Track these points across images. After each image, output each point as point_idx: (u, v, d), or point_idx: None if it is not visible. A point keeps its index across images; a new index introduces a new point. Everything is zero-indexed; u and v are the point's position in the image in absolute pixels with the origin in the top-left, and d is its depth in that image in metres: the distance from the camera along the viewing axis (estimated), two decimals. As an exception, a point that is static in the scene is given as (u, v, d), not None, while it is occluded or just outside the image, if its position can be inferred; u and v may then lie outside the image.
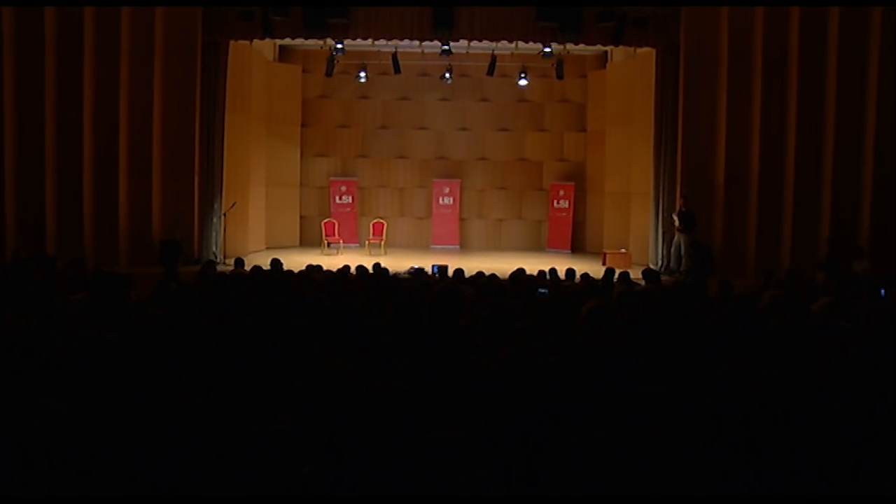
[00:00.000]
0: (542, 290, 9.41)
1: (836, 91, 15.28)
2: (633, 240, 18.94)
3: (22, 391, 3.79)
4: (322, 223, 20.30)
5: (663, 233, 16.79)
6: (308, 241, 21.66)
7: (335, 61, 19.50)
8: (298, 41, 18.90)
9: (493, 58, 19.39)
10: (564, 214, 21.45)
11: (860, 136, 15.20)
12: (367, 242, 20.20)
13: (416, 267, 15.05)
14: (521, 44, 17.66)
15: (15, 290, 8.07)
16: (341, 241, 20.03)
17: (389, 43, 18.17)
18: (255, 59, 19.38)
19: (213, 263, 13.12)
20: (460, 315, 6.28)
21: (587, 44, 17.26)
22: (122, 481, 3.12)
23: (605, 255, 18.22)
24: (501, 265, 15.33)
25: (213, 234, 16.83)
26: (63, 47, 15.13)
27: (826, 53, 15.40)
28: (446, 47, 17.67)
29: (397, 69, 19.38)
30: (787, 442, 3.45)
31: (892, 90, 14.84)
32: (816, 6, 15.37)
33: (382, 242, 20.06)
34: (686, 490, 3.37)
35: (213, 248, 16.74)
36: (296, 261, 15.12)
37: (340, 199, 21.42)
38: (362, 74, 20.44)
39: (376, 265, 12.48)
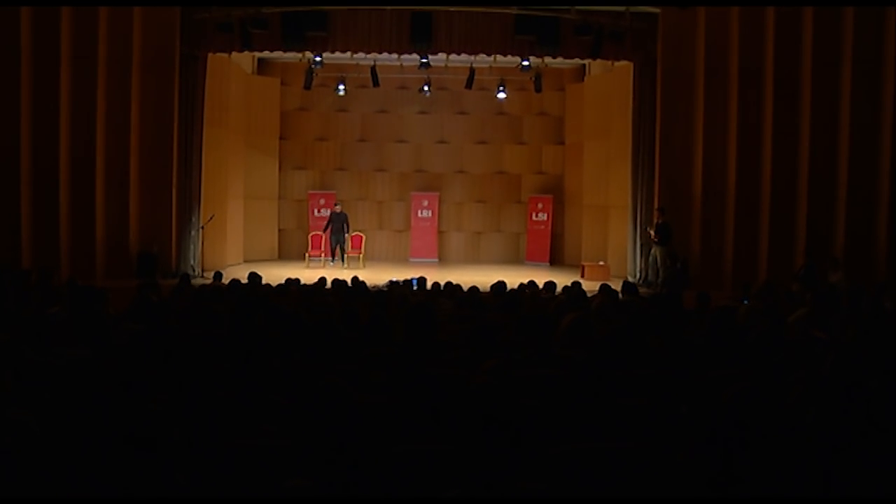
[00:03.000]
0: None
1: (811, 103, 15.39)
2: (612, 252, 18.98)
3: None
4: (309, 236, 20.26)
5: (641, 245, 16.85)
6: (286, 254, 21.62)
7: (314, 74, 19.49)
8: (277, 54, 18.89)
9: (472, 71, 19.44)
10: (543, 227, 21.49)
11: (835, 147, 15.30)
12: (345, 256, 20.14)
13: (395, 280, 15.00)
14: (499, 57, 17.74)
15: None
16: (322, 255, 19.91)
17: (368, 56, 18.16)
18: (233, 71, 19.34)
19: (188, 277, 13.02)
20: (435, 329, 6.27)
21: (565, 57, 17.36)
22: (97, 495, 3.09)
23: (583, 267, 18.26)
24: (480, 278, 15.30)
25: (191, 247, 16.74)
26: (39, 58, 15.01)
27: (800, 66, 15.52)
28: (425, 60, 17.71)
29: (376, 82, 19.38)
30: (763, 452, 3.46)
31: (867, 102, 14.97)
32: (790, 20, 15.50)
33: (361, 255, 20.01)
34: (664, 501, 3.37)
35: (191, 262, 16.65)
36: (274, 274, 15.06)
37: (319, 212, 21.35)
38: (341, 87, 20.45)
39: (354, 278, 12.43)
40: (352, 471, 3.49)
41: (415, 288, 12.47)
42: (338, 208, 19.70)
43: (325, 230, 19.65)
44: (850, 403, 3.99)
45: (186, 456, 3.53)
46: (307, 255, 19.90)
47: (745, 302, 10.25)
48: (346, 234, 19.45)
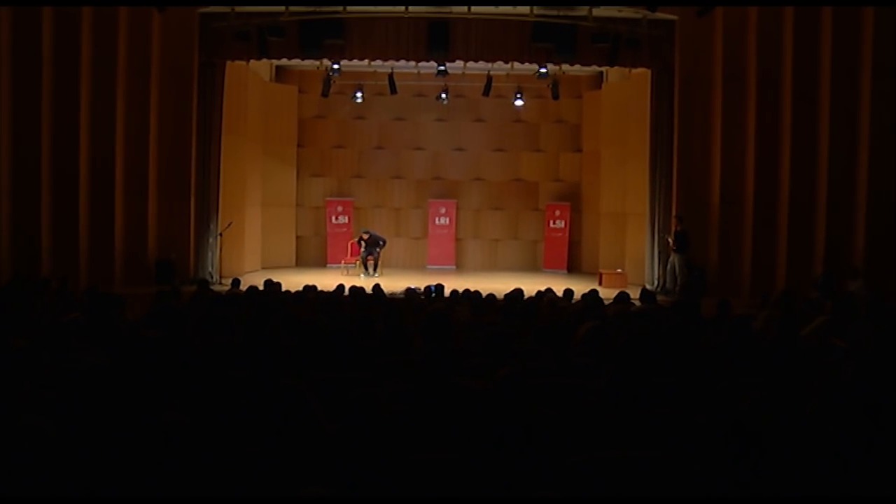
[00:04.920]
0: None
1: (830, 110, 15.29)
2: (629, 260, 18.93)
3: (11, 411, 3.77)
4: (349, 243, 20.38)
5: (659, 253, 16.79)
6: (304, 261, 21.67)
7: (331, 82, 19.56)
8: (295, 62, 19.00)
9: (489, 78, 19.49)
10: (560, 235, 21.45)
11: (854, 155, 15.21)
12: (358, 263, 20.06)
13: (412, 287, 14.98)
14: (516, 64, 17.76)
15: (16, 311, 8.05)
16: (351, 262, 19.89)
17: (385, 63, 18.23)
18: (251, 79, 19.43)
19: (206, 283, 13.05)
20: (451, 337, 6.26)
21: (582, 64, 17.31)
22: (111, 499, 3.10)
23: (601, 275, 18.22)
24: (498, 286, 15.29)
25: (209, 254, 16.80)
26: (59, 67, 15.13)
27: (819, 72, 15.44)
28: (442, 68, 17.72)
29: (393, 90, 19.43)
30: (781, 462, 3.44)
31: (886, 109, 14.88)
32: (808, 25, 15.43)
33: (378, 263, 20.01)
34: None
35: (209, 269, 16.71)
36: (292, 281, 15.07)
37: (336, 219, 21.43)
38: (358, 95, 20.52)
39: (376, 286, 12.44)
40: (369, 478, 3.49)
41: (432, 295, 12.45)
42: (366, 237, 19.56)
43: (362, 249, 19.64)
44: (870, 412, 3.95)
45: (202, 462, 3.53)
46: (343, 261, 19.92)
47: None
48: (379, 250, 19.44)
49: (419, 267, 21.61)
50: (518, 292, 11.81)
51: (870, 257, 14.83)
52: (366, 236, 19.42)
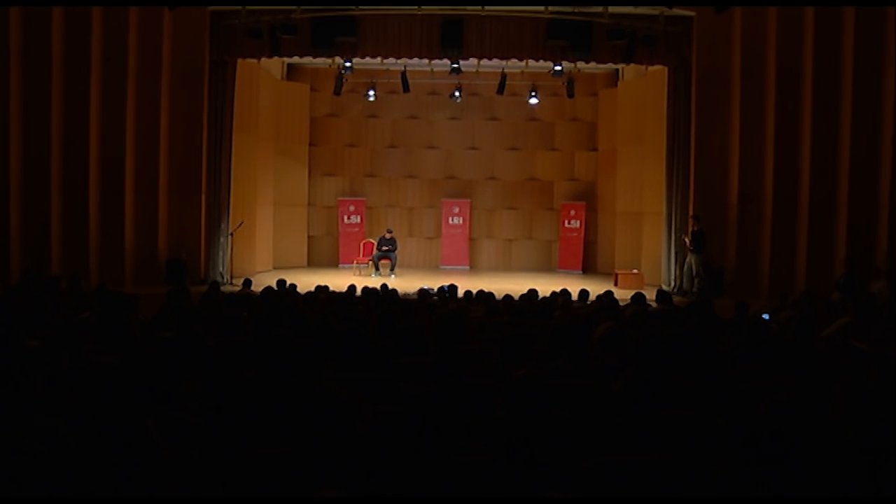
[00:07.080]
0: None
1: (852, 107, 15.09)
2: (646, 260, 18.79)
3: (22, 411, 3.72)
4: (361, 244, 20.31)
5: (676, 253, 16.66)
6: (316, 261, 21.62)
7: (344, 80, 19.49)
8: (306, 60, 18.97)
9: (503, 76, 19.39)
10: (575, 234, 21.34)
11: (876, 153, 15.00)
12: (370, 263, 19.99)
13: (425, 288, 14.90)
14: (531, 62, 17.67)
15: (26, 310, 8.03)
16: (363, 261, 19.80)
17: (398, 61, 18.16)
18: (262, 77, 19.40)
19: (217, 284, 13.02)
20: (466, 338, 6.18)
21: (598, 62, 17.21)
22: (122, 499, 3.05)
23: (616, 275, 18.10)
24: (512, 286, 15.22)
25: (220, 253, 16.76)
26: (70, 65, 15.11)
27: (841, 69, 15.25)
28: (456, 66, 17.66)
29: (406, 88, 19.35)
30: (802, 465, 3.35)
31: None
32: (830, 21, 15.26)
33: (395, 265, 19.92)
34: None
35: (220, 268, 16.67)
36: (303, 281, 15.03)
37: (349, 218, 21.37)
38: (371, 93, 20.45)
39: (383, 286, 12.38)
40: (382, 480, 3.42)
41: (446, 296, 12.37)
42: (388, 235, 19.54)
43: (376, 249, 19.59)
44: (892, 416, 3.86)
45: (212, 462, 3.48)
46: (356, 261, 19.80)
47: (766, 317, 9.75)
48: (394, 252, 19.38)
49: (432, 267, 21.55)
50: (532, 293, 11.72)
51: (893, 257, 14.61)
52: (388, 235, 19.38)
